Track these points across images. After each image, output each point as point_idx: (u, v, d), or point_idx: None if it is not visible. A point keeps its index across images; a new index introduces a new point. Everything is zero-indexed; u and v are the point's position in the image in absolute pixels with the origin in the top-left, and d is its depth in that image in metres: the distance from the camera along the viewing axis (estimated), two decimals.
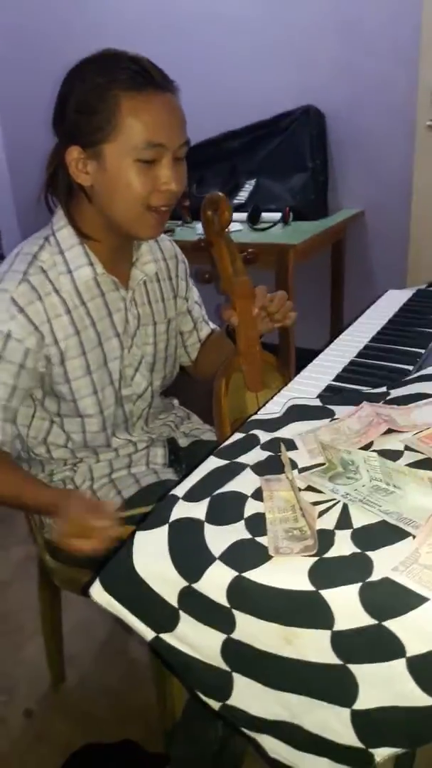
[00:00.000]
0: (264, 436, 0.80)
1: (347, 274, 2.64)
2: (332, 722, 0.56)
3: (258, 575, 0.57)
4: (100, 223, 1.00)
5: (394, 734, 0.54)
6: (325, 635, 0.53)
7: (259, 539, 0.61)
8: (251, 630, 0.57)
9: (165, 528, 0.66)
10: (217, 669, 0.61)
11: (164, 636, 0.63)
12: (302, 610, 0.54)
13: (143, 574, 0.63)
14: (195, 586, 0.60)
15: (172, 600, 0.62)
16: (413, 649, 0.50)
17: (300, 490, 0.66)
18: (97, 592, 0.66)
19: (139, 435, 1.20)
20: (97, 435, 1.11)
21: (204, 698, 0.64)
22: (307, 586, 0.54)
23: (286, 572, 0.56)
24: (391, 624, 0.50)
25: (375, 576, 0.53)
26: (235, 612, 0.58)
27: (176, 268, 1.21)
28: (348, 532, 0.59)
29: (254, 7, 2.44)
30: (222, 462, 0.77)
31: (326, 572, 0.55)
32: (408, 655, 0.50)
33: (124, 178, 0.92)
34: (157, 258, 1.16)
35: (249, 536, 0.62)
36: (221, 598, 0.58)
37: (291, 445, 0.77)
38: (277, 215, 2.31)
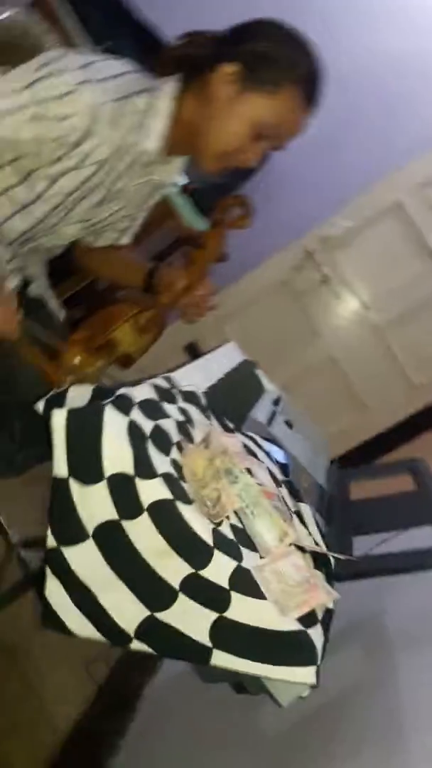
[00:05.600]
0: (178, 398, 1.01)
1: None
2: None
3: (182, 508, 0.78)
4: (191, 123, 1.07)
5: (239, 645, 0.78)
6: (187, 568, 0.77)
7: (182, 484, 0.82)
8: (139, 530, 0.77)
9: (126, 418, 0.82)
10: None
11: (71, 482, 0.78)
12: (190, 546, 0.77)
13: (104, 428, 0.78)
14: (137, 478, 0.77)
15: (109, 467, 0.77)
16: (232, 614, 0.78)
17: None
18: (58, 414, 0.77)
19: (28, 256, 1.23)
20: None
21: None
22: (209, 539, 0.78)
23: (198, 519, 0.79)
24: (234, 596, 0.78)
25: (244, 564, 0.80)
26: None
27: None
28: (228, 523, 0.85)
29: None
30: (154, 396, 0.94)
31: (220, 541, 0.80)
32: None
33: (247, 119, 1.04)
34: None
35: (175, 475, 0.82)
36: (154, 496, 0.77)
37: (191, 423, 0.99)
38: None
